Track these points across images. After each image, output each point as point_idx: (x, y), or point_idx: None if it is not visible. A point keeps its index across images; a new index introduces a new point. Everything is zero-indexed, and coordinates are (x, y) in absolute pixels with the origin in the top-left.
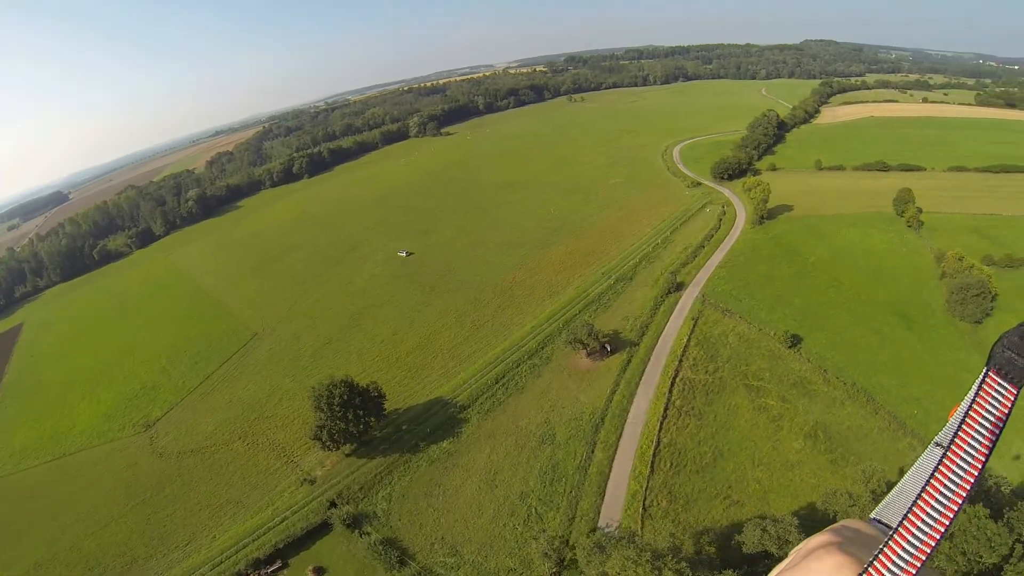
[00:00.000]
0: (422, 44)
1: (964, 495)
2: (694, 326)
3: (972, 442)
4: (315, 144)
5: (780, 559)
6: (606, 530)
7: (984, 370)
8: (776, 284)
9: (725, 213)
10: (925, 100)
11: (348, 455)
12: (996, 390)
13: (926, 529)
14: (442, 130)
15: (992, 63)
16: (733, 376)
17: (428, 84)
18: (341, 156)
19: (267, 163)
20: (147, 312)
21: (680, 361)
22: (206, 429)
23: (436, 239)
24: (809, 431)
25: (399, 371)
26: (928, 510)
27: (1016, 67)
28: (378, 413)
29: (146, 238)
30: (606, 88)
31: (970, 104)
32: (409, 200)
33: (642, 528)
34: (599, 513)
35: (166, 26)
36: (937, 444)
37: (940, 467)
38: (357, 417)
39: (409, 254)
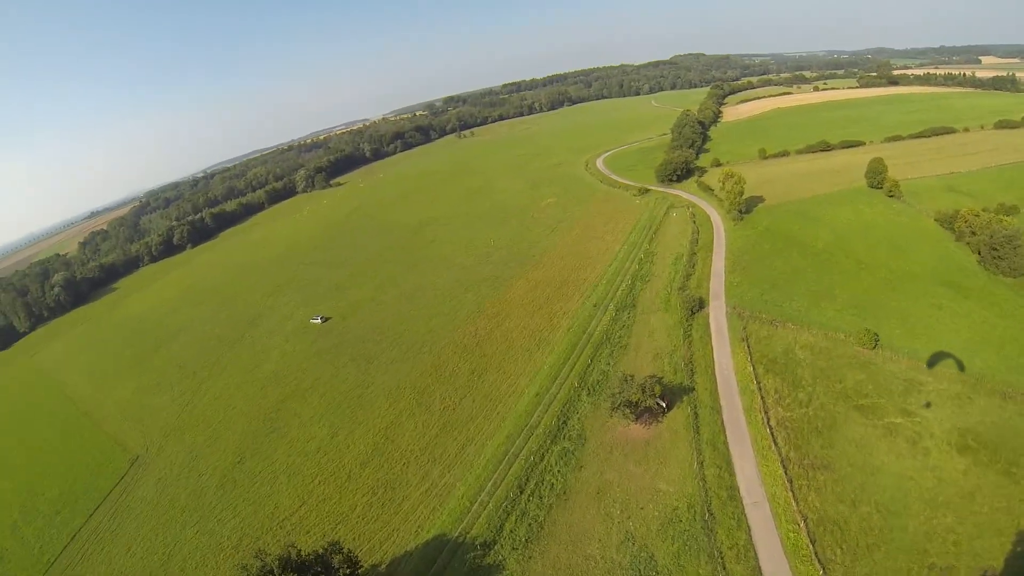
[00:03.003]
0: (296, 107)
1: None
2: (749, 348)
3: None
4: (196, 211)
5: None
6: None
7: None
8: (804, 277)
9: (695, 214)
10: (816, 89)
11: None
12: None
13: None
14: (331, 181)
15: (844, 56)
16: (834, 401)
17: (308, 141)
18: (226, 221)
19: (145, 237)
20: None
21: (762, 398)
22: None
23: (357, 296)
24: (959, 443)
25: (358, 497)
26: None
27: (868, 56)
28: None
29: (7, 337)
30: (492, 121)
31: (855, 87)
32: (313, 256)
33: None
34: None
35: (28, 96)
36: None
37: None
38: None
39: (325, 319)
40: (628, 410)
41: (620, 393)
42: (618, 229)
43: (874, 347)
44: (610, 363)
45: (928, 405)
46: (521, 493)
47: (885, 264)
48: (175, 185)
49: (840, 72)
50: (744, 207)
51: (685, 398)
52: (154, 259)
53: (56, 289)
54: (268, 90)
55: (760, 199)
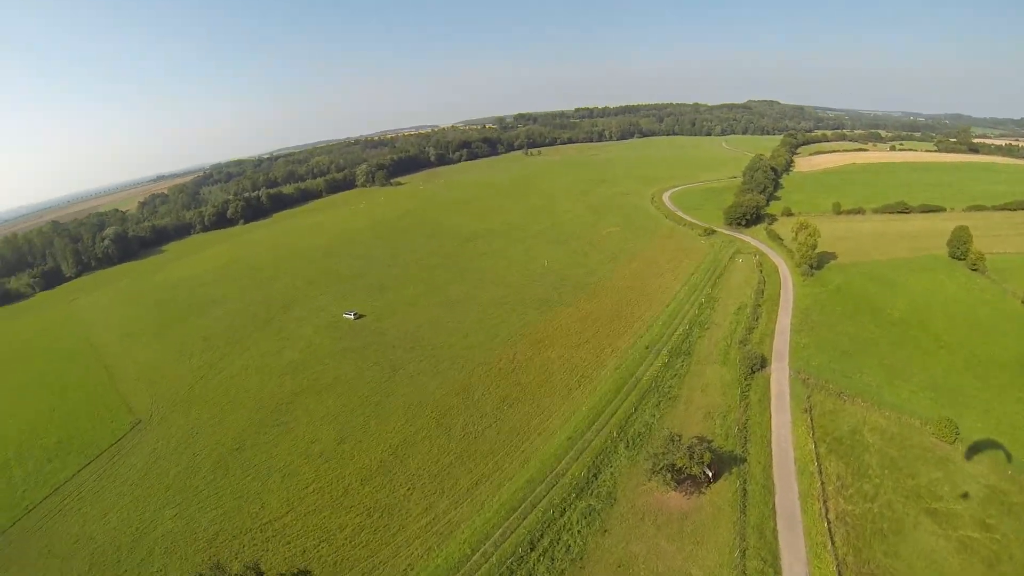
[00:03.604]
0: (368, 104)
1: None
2: (812, 422)
3: None
4: (255, 189)
5: None
6: None
7: None
8: (877, 349)
9: (762, 263)
10: (893, 148)
11: None
12: None
13: None
14: (392, 180)
15: (921, 119)
16: (903, 499)
17: (375, 138)
18: (282, 203)
19: (201, 207)
20: (18, 375)
21: (822, 484)
22: None
23: (397, 297)
24: None
25: (351, 516)
26: None
27: (947, 121)
28: None
29: (52, 279)
30: (561, 143)
31: (933, 151)
32: (360, 250)
33: None
34: None
35: (118, 60)
36: None
37: None
38: None
39: (359, 316)
40: (670, 475)
41: (664, 454)
42: (680, 268)
43: (953, 442)
44: (655, 415)
45: (966, 495)
46: (532, 550)
47: (967, 345)
48: (239, 162)
49: (917, 134)
50: (815, 262)
51: (735, 469)
52: (205, 229)
53: (106, 241)
54: (343, 87)
55: (832, 255)
